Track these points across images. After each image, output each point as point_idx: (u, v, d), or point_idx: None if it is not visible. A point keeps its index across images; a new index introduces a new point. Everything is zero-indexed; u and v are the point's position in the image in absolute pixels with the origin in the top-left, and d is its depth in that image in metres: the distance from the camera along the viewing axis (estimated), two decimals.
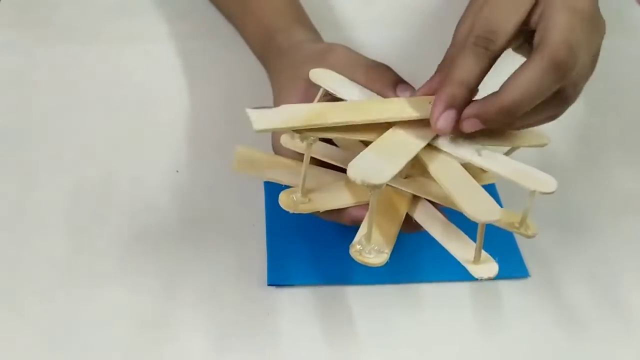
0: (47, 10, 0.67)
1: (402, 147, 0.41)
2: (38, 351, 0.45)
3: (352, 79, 0.46)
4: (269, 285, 0.49)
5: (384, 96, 0.44)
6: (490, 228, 0.52)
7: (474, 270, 0.41)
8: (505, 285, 0.51)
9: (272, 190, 0.53)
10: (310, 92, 0.46)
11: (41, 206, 0.52)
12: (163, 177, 0.54)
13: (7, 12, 0.67)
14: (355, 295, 0.49)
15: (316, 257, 0.51)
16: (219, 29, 0.66)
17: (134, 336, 0.46)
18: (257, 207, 0.53)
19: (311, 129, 0.40)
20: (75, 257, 0.49)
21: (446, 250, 0.51)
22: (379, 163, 0.38)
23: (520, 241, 0.53)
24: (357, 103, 0.44)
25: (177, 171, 0.55)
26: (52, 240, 0.50)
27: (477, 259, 0.41)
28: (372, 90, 0.45)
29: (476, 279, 0.50)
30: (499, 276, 0.50)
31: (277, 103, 0.49)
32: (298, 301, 0.49)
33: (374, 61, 0.47)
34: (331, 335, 0.47)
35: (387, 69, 0.46)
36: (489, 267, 0.41)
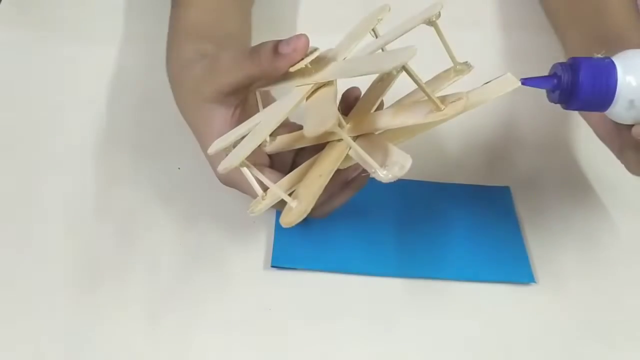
0: (47, 10, 0.67)
1: (326, 96, 0.40)
2: (37, 349, 0.45)
3: (242, 68, 0.43)
4: (272, 266, 0.49)
5: (270, 63, 0.41)
6: (498, 232, 0.51)
7: (381, 174, 0.37)
8: (509, 289, 0.50)
9: None
10: (223, 112, 0.45)
11: (42, 204, 0.52)
12: (165, 174, 0.54)
13: (7, 11, 0.66)
14: (358, 284, 0.49)
15: (322, 243, 0.50)
16: None
17: (137, 331, 0.46)
18: None
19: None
20: (76, 255, 0.49)
21: (452, 249, 0.50)
22: (319, 115, 0.38)
23: (530, 248, 0.52)
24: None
25: (179, 168, 0.55)
26: (53, 237, 0.50)
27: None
28: (257, 65, 0.42)
29: (481, 280, 0.50)
30: (504, 280, 0.50)
31: (203, 140, 0.46)
32: (300, 286, 0.49)
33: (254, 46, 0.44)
34: (328, 321, 0.47)
35: (264, 44, 0.42)
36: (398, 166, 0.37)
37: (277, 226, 0.51)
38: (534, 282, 0.50)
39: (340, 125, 0.41)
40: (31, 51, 0.63)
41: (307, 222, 0.50)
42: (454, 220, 0.52)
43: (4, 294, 0.47)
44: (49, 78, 0.61)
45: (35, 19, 0.66)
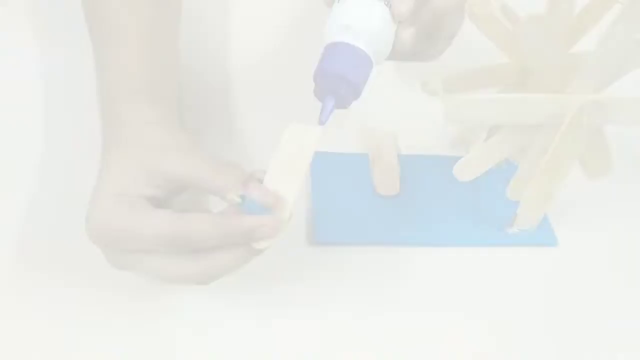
0: (47, 12, 0.66)
1: None
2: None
3: (197, 175, 0.41)
4: (315, 242, 0.49)
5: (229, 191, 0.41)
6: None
7: None
8: (530, 252, 0.51)
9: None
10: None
11: (40, 208, 0.51)
12: None
13: (6, 13, 0.66)
14: (396, 255, 0.50)
15: (361, 217, 0.51)
16: (219, 31, 0.66)
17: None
18: None
19: None
20: (75, 257, 0.48)
21: (477, 215, 0.52)
22: None
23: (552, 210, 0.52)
24: None
25: None
26: (51, 243, 0.49)
27: None
28: (217, 185, 0.41)
29: (504, 244, 0.51)
30: (525, 242, 0.51)
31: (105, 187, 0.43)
32: (343, 260, 0.49)
33: (223, 161, 0.43)
34: (372, 293, 0.48)
35: (236, 167, 0.42)
36: None
37: (315, 202, 0.51)
38: (556, 244, 0.51)
39: None
40: (30, 52, 0.62)
41: (342, 197, 0.52)
42: (478, 186, 0.52)
43: None
44: (48, 79, 0.60)
45: (35, 20, 0.65)
